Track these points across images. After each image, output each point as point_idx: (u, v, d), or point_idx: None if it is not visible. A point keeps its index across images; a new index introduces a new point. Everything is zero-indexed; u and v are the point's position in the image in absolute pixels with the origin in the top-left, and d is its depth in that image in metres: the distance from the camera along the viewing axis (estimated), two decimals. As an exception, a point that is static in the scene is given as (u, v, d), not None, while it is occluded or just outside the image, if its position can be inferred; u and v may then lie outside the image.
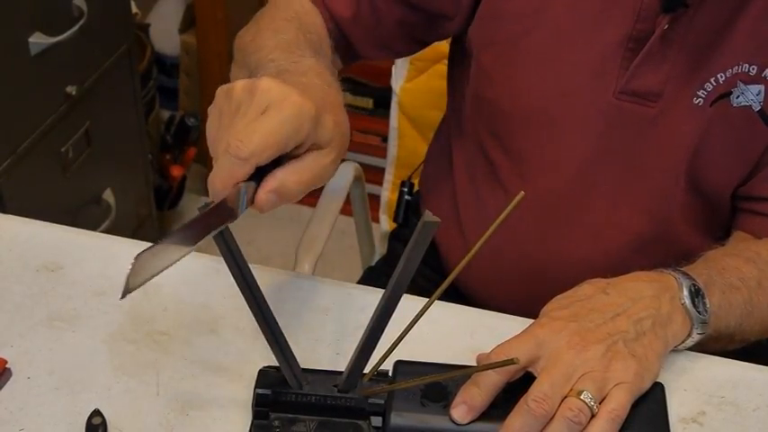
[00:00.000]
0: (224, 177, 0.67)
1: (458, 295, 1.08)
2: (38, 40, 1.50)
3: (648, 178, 0.98)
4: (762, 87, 0.92)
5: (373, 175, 1.70)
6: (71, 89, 1.61)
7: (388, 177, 1.49)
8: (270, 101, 0.68)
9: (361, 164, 1.42)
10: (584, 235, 1.02)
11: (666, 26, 0.91)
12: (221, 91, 0.72)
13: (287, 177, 0.69)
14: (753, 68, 0.91)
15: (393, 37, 1.06)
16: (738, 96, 0.92)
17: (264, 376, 0.75)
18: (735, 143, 0.94)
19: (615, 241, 1.01)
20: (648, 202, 0.99)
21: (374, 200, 1.50)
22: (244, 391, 0.77)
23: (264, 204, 0.69)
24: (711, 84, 0.92)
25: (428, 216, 0.64)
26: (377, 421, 0.74)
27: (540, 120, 0.99)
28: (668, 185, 0.98)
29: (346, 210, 1.35)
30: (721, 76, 0.92)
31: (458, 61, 1.09)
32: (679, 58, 0.92)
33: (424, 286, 0.96)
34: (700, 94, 0.93)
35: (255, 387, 0.75)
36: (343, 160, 1.40)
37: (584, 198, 1.00)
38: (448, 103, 1.14)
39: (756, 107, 0.92)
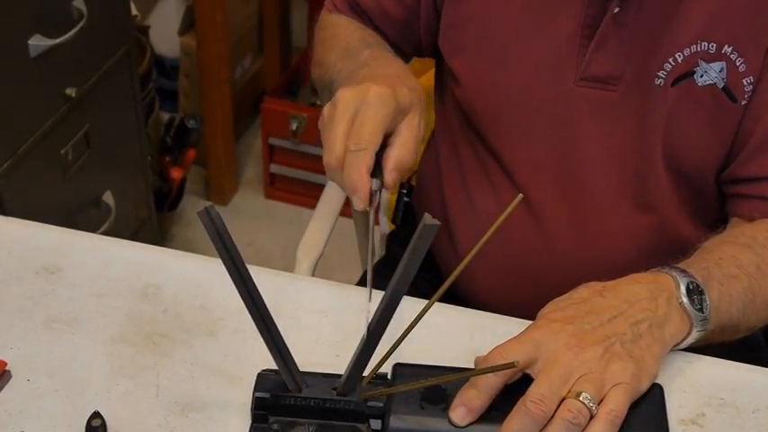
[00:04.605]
0: (356, 168, 0.80)
1: (454, 299, 1.08)
2: (37, 42, 1.50)
3: (627, 163, 0.99)
4: (723, 64, 0.92)
5: (373, 176, 1.70)
6: (71, 91, 1.61)
7: (388, 179, 1.49)
8: (354, 104, 0.82)
9: (360, 166, 1.41)
10: (572, 228, 1.02)
11: (617, 9, 0.93)
12: (318, 122, 0.86)
13: (398, 153, 0.83)
14: (712, 46, 0.92)
15: (401, 43, 1.11)
16: (702, 75, 0.93)
17: (263, 380, 0.75)
18: (706, 122, 0.95)
19: (606, 231, 1.01)
20: (632, 188, 1.00)
21: (374, 201, 1.50)
22: (243, 394, 0.77)
23: (393, 182, 0.83)
24: (670, 63, 0.93)
25: (428, 219, 0.64)
26: (376, 424, 0.74)
27: (510, 118, 1.01)
28: (647, 168, 0.99)
29: (346, 211, 1.35)
30: (679, 56, 0.93)
31: (439, 67, 1.12)
32: (634, 40, 0.94)
33: (422, 288, 0.96)
34: (660, 74, 0.94)
35: (254, 391, 0.75)
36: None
37: (568, 191, 1.01)
38: (436, 109, 1.15)
39: (720, 84, 0.93)
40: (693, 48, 0.93)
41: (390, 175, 0.82)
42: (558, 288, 0.82)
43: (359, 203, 0.80)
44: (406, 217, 1.30)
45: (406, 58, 1.15)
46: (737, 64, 0.92)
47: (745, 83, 0.93)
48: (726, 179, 0.99)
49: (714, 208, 1.03)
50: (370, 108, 0.81)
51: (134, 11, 1.93)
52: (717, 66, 0.93)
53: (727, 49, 0.92)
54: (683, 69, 0.94)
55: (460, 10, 1.01)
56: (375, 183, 0.81)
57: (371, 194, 0.80)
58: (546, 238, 1.03)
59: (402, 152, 0.83)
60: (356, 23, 1.10)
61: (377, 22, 1.10)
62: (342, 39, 1.06)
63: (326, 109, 0.84)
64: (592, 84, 0.96)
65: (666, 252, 0.90)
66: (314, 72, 1.11)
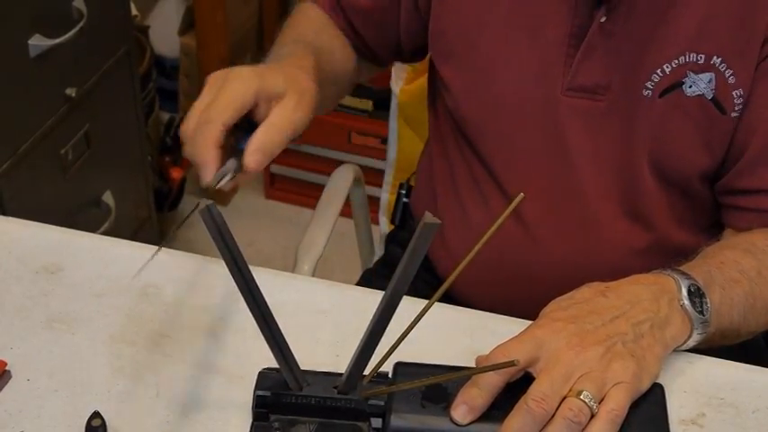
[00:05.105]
0: (203, 142, 0.80)
1: (451, 301, 1.08)
2: (38, 42, 1.50)
3: (615, 171, 0.99)
4: (712, 75, 0.92)
5: (373, 176, 1.70)
6: (71, 91, 1.61)
7: (388, 179, 1.49)
8: (217, 83, 0.83)
9: (360, 166, 1.42)
10: (563, 237, 1.02)
11: (604, 19, 0.93)
12: None
13: (262, 136, 0.81)
14: (700, 57, 0.92)
15: (377, 48, 1.10)
16: (691, 86, 0.93)
17: (264, 378, 0.75)
18: (694, 132, 0.95)
19: (596, 238, 1.01)
20: (622, 196, 1.00)
21: (374, 201, 1.51)
22: (244, 393, 0.77)
23: (253, 164, 0.80)
24: (658, 75, 0.93)
25: (428, 218, 0.64)
26: (377, 423, 0.74)
27: (497, 126, 1.01)
28: (635, 177, 0.99)
29: (346, 212, 1.36)
30: (667, 67, 0.93)
31: (431, 74, 1.11)
32: (622, 50, 0.94)
33: (421, 290, 0.96)
34: (648, 85, 0.94)
35: (255, 389, 0.75)
36: (342, 162, 1.42)
37: (558, 200, 1.01)
38: (429, 117, 1.15)
39: (709, 95, 0.93)
40: (682, 59, 0.92)
41: (251, 156, 0.80)
42: (551, 295, 0.82)
43: (205, 176, 0.79)
44: (404, 218, 1.30)
45: (383, 62, 1.14)
46: (726, 75, 0.92)
47: (735, 95, 0.92)
48: (721, 190, 0.99)
49: (706, 214, 1.03)
50: (228, 86, 0.82)
51: (134, 11, 1.93)
52: (705, 77, 0.92)
53: (715, 60, 0.92)
54: (671, 81, 0.93)
55: (447, 17, 1.01)
56: (232, 162, 0.81)
57: (225, 172, 0.80)
58: (537, 247, 1.03)
59: (266, 135, 0.81)
60: (324, 20, 1.10)
61: (351, 19, 1.09)
62: (294, 31, 1.06)
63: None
64: (579, 93, 0.96)
65: (659, 258, 0.89)
66: None
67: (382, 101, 1.90)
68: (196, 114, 0.82)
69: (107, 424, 0.75)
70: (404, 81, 1.42)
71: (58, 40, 1.53)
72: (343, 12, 1.09)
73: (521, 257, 1.04)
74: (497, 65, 0.99)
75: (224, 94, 0.82)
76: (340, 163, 1.41)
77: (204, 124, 0.80)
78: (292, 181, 2.38)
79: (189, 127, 0.82)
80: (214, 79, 0.84)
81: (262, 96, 0.82)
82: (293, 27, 1.07)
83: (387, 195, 1.50)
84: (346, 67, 1.10)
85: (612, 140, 0.97)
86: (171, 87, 2.37)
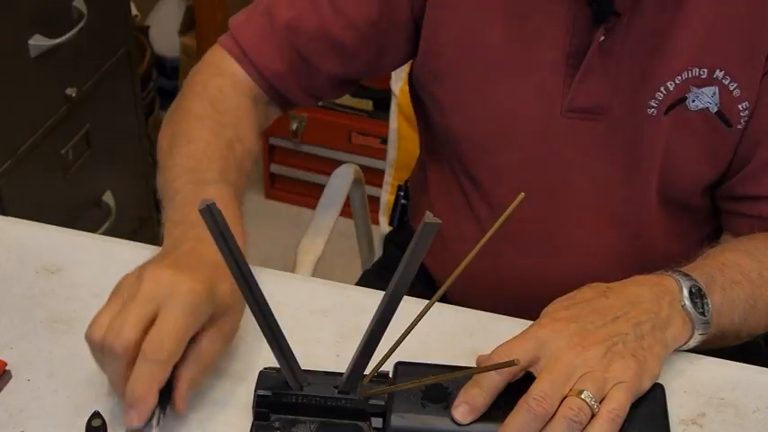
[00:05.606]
0: (147, 382, 0.70)
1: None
2: (38, 42, 1.50)
3: (616, 192, 0.98)
4: (715, 88, 0.91)
5: (373, 176, 1.70)
6: (71, 91, 1.61)
7: (388, 179, 1.49)
8: (162, 293, 0.71)
9: (360, 166, 1.42)
10: (556, 254, 1.02)
11: (603, 38, 0.90)
12: (119, 282, 0.76)
13: (192, 374, 0.74)
14: (703, 71, 0.91)
15: (324, 87, 1.05)
16: (694, 101, 0.92)
17: (265, 378, 0.75)
18: (699, 147, 0.94)
19: (590, 257, 1.01)
20: (619, 216, 0.99)
21: (374, 202, 1.51)
22: (244, 393, 0.77)
23: (184, 405, 0.74)
24: (662, 92, 0.92)
25: (429, 217, 0.64)
26: (377, 422, 0.74)
27: (493, 146, 0.99)
28: (638, 197, 0.98)
29: (346, 211, 1.36)
30: (671, 84, 0.91)
31: (417, 91, 1.08)
32: (622, 69, 0.92)
33: (419, 292, 0.96)
34: (652, 103, 0.92)
35: (256, 388, 0.75)
36: (342, 162, 1.41)
37: (552, 218, 1.00)
38: (419, 129, 1.14)
39: (714, 109, 0.92)
40: (684, 74, 0.91)
41: (183, 400, 0.73)
42: (548, 300, 0.81)
43: (134, 419, 0.70)
44: (402, 219, 1.30)
45: (297, 103, 1.07)
46: (731, 89, 0.91)
47: (741, 108, 0.91)
48: (723, 196, 0.99)
49: (702, 227, 1.03)
50: (178, 312, 0.71)
51: (134, 11, 1.93)
52: (709, 90, 0.91)
53: (718, 73, 0.91)
54: (675, 97, 0.92)
55: (439, 35, 0.98)
56: (158, 412, 0.73)
57: (152, 428, 0.72)
58: (531, 264, 1.03)
59: (198, 372, 0.74)
60: (232, 109, 0.98)
61: (301, 48, 0.99)
62: (205, 130, 0.95)
63: (130, 278, 0.75)
64: (579, 114, 0.94)
65: (649, 271, 0.89)
66: (163, 138, 0.98)
67: (382, 101, 1.90)
68: (133, 328, 0.70)
69: (107, 424, 0.75)
70: (404, 81, 1.42)
71: (58, 40, 1.53)
72: (292, 41, 0.99)
73: (515, 271, 1.04)
74: (493, 86, 0.96)
75: (174, 322, 0.71)
76: (340, 163, 1.41)
77: (151, 362, 0.70)
78: (292, 181, 2.38)
79: (124, 342, 0.70)
80: (154, 286, 0.72)
81: (207, 316, 0.74)
82: (203, 122, 0.96)
83: (387, 195, 1.50)
84: (255, 156, 1.00)
85: (614, 161, 0.96)
86: (171, 87, 2.37)
